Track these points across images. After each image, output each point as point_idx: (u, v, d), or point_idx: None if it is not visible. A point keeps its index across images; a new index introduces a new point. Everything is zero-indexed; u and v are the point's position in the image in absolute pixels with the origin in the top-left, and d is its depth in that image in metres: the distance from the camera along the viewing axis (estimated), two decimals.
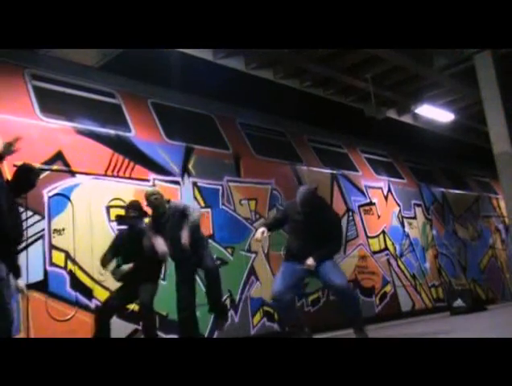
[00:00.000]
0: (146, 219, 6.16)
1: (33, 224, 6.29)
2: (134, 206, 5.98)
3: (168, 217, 5.87)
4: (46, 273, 6.27)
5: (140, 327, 6.16)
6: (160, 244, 5.55)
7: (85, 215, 6.74)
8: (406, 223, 12.38)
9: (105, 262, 5.87)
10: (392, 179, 12.59)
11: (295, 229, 5.68)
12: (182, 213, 5.81)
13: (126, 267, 5.78)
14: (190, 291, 5.55)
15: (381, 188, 12.06)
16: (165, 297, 6.19)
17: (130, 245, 5.84)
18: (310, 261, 5.42)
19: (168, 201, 6.26)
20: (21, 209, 6.15)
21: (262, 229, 5.44)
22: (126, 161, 7.45)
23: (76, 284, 6.49)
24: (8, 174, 6.17)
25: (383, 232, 11.55)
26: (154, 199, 5.93)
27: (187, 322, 5.50)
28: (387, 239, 11.58)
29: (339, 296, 5.53)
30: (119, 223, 6.18)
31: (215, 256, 7.98)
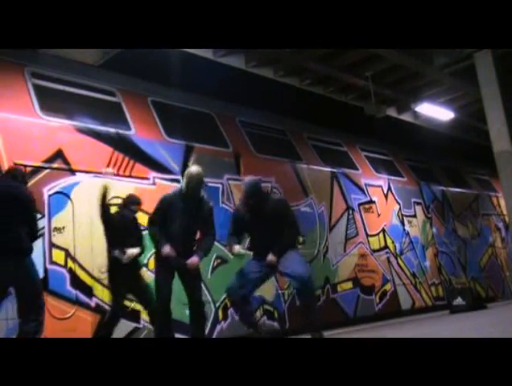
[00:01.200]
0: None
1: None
2: (133, 200, 6.20)
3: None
4: (46, 271, 6.28)
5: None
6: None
7: (85, 214, 6.74)
8: (406, 222, 12.39)
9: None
10: (392, 177, 12.60)
11: (250, 228, 5.71)
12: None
13: (135, 251, 5.97)
14: (170, 290, 5.49)
15: (381, 186, 12.06)
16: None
17: (125, 234, 5.99)
18: (270, 257, 5.44)
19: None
20: None
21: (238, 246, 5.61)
22: (126, 159, 7.45)
23: (76, 282, 6.50)
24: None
25: (383, 230, 11.56)
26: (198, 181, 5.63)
27: (165, 322, 5.46)
28: (387, 237, 11.59)
29: (300, 286, 5.41)
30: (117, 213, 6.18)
31: (215, 255, 8.01)
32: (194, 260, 5.45)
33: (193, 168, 5.79)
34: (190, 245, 5.60)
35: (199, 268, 5.62)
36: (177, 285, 5.61)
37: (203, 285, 7.58)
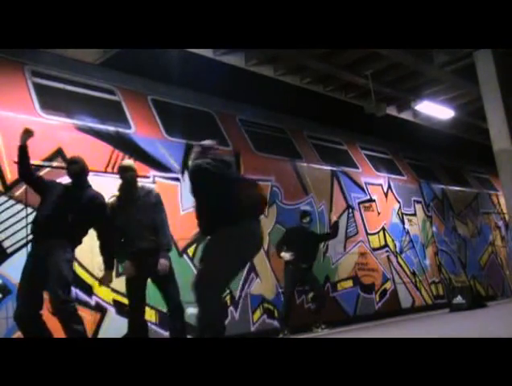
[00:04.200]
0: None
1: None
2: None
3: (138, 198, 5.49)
4: None
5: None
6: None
7: None
8: (406, 220, 12.39)
9: None
10: (392, 176, 12.60)
11: None
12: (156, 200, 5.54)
13: None
14: (144, 296, 5.36)
15: (381, 185, 12.06)
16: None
17: None
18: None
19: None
20: (21, 206, 6.19)
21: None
22: (126, 157, 7.44)
23: (76, 281, 6.48)
24: (8, 172, 6.21)
25: (383, 228, 11.56)
26: (129, 177, 5.55)
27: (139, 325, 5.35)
28: (387, 235, 11.59)
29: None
30: None
31: None
32: (162, 263, 5.23)
33: (125, 161, 5.79)
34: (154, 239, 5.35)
35: (172, 270, 5.40)
36: (181, 287, 5.60)
37: None
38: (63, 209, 4.94)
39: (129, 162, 5.91)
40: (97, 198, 5.24)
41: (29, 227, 6.15)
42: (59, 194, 5.04)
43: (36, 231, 5.00)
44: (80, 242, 5.16)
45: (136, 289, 5.32)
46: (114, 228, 5.34)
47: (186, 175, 8.11)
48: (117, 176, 5.66)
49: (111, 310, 6.70)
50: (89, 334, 6.27)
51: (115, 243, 5.37)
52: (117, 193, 5.63)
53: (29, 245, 6.06)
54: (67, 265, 4.87)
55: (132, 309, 5.36)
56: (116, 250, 5.40)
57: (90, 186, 5.29)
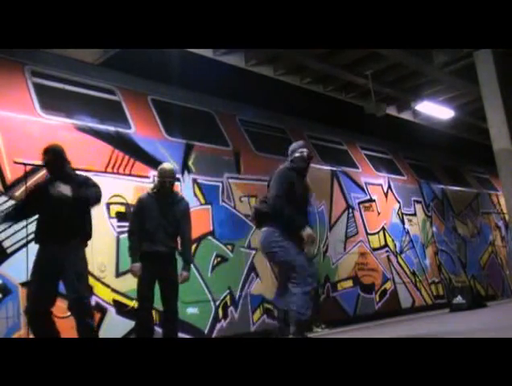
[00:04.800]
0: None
1: (33, 221, 6.28)
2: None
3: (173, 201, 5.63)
4: None
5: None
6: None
7: None
8: (406, 220, 12.39)
9: None
10: (392, 176, 12.60)
11: None
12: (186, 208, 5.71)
13: None
14: (153, 295, 5.44)
15: (381, 185, 12.06)
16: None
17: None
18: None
19: None
20: None
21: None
22: (126, 158, 7.44)
23: None
24: (8, 172, 6.20)
25: (383, 228, 11.56)
26: (168, 181, 5.58)
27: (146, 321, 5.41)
28: (387, 236, 11.59)
29: None
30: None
31: (215, 254, 8.02)
32: (185, 275, 5.49)
33: (165, 164, 5.80)
34: (172, 246, 5.52)
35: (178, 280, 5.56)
36: (181, 287, 5.61)
37: (203, 284, 7.61)
38: (60, 205, 4.81)
39: (170, 165, 5.83)
40: (88, 180, 5.06)
41: (29, 226, 6.17)
42: (48, 191, 4.89)
43: (42, 231, 4.90)
44: (88, 235, 4.96)
45: (147, 290, 5.39)
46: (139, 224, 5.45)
47: (186, 175, 8.13)
48: (156, 175, 5.72)
49: (111, 310, 6.70)
50: None
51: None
52: (150, 190, 5.71)
53: (29, 245, 6.08)
54: (83, 262, 4.81)
55: (140, 309, 5.43)
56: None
57: (76, 173, 5.10)
